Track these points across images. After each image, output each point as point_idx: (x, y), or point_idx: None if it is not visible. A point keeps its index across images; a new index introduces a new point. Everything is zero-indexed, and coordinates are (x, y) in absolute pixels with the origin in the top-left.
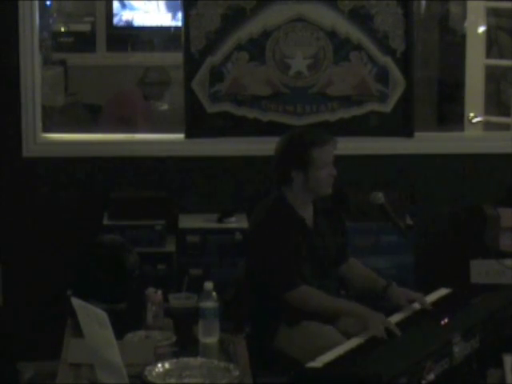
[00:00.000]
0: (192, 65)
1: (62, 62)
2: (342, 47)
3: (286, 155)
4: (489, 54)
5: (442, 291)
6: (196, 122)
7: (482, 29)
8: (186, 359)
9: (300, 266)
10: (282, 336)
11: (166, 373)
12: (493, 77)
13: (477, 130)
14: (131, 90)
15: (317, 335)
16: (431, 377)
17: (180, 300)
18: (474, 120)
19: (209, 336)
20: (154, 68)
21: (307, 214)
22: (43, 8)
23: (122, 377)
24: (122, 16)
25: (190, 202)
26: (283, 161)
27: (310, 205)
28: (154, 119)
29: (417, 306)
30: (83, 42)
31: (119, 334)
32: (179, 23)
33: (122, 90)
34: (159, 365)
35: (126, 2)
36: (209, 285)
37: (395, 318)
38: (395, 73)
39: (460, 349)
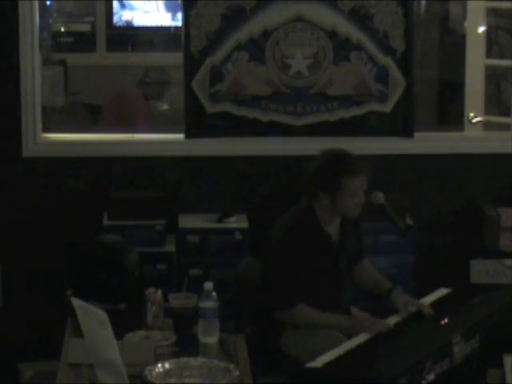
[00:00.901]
0: (192, 65)
1: (62, 62)
2: (342, 47)
3: (317, 177)
4: (489, 54)
5: (442, 291)
6: (196, 122)
7: (482, 29)
8: (185, 359)
9: (316, 280)
10: (287, 338)
11: (166, 373)
12: (493, 77)
13: (477, 130)
14: (132, 90)
15: (321, 337)
16: (431, 377)
17: (180, 300)
18: (474, 120)
19: (209, 336)
20: (154, 68)
21: (334, 227)
22: (43, 8)
23: (122, 377)
24: (121, 16)
25: (190, 202)
26: (314, 181)
27: (337, 218)
28: (155, 119)
29: (413, 309)
30: (83, 41)
31: (119, 334)
32: (179, 23)
33: (123, 90)
34: (159, 365)
35: (126, 2)
36: (209, 285)
37: (394, 318)
38: (395, 73)
39: (460, 349)
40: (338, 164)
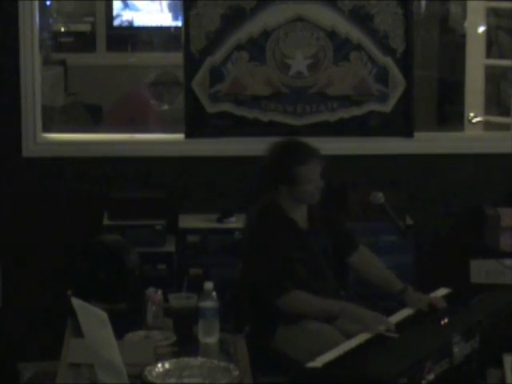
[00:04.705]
0: (192, 65)
1: (62, 62)
2: (342, 47)
3: (271, 171)
4: (489, 54)
5: (442, 291)
6: (196, 122)
7: (481, 29)
8: (186, 359)
9: (294, 268)
10: (281, 335)
11: (166, 373)
12: (493, 77)
13: (477, 130)
14: (140, 91)
15: (315, 334)
16: (431, 377)
17: (180, 300)
18: (474, 120)
19: (209, 336)
20: (167, 69)
21: (300, 215)
22: (43, 8)
23: (122, 377)
24: (122, 16)
25: (190, 202)
26: (269, 176)
27: (302, 206)
28: (168, 120)
29: (425, 306)
30: (83, 41)
31: (119, 334)
32: (179, 23)
33: (131, 91)
34: (159, 365)
35: (129, 2)
36: (209, 285)
37: (396, 317)
38: (395, 73)
39: (460, 349)
40: (288, 155)
